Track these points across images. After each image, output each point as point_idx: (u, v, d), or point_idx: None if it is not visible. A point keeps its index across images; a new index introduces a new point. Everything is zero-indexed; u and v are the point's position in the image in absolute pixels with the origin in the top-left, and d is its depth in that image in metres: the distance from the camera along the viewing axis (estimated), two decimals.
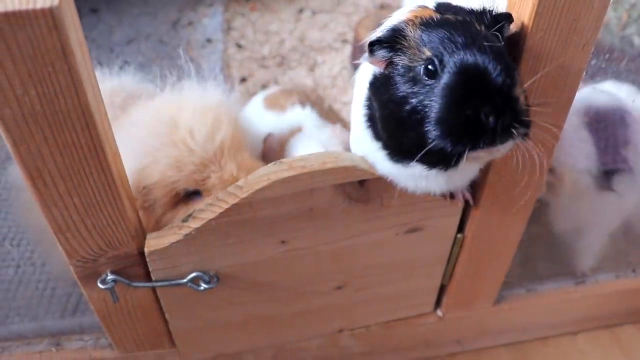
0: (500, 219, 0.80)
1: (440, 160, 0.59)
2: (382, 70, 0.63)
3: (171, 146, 0.79)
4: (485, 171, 0.74)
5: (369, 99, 0.66)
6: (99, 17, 1.82)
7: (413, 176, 0.67)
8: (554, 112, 0.68)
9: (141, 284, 0.73)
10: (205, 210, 0.69)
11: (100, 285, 0.72)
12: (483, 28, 0.59)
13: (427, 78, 0.58)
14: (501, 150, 0.59)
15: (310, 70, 1.58)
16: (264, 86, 1.52)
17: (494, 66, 0.56)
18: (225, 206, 0.67)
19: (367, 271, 0.83)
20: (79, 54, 0.53)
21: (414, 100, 0.59)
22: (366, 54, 0.63)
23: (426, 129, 0.57)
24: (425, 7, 0.62)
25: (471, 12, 0.61)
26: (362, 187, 0.71)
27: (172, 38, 1.74)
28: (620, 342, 1.13)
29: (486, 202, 0.77)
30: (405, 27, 0.61)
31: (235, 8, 1.84)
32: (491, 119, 0.55)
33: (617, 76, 1.03)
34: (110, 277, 0.72)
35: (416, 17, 0.61)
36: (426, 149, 0.58)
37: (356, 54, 1.55)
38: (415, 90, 0.59)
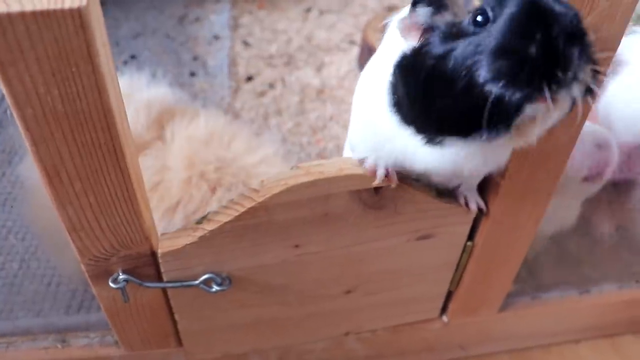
0: (511, 227, 0.81)
1: (495, 120, 0.51)
2: (414, 44, 0.56)
3: None
4: (498, 181, 0.74)
5: (395, 84, 0.60)
6: (105, 10, 1.81)
7: (452, 159, 0.61)
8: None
9: (153, 285, 0.73)
10: (220, 213, 0.69)
11: (111, 285, 0.72)
12: None
13: (475, 27, 0.52)
14: (563, 104, 0.51)
15: (318, 70, 1.58)
16: (271, 85, 1.52)
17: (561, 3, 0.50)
18: (241, 209, 0.67)
19: (377, 276, 0.84)
20: (103, 55, 0.53)
21: (459, 50, 0.51)
22: (398, 23, 0.57)
23: (479, 78, 0.50)
24: None
25: None
26: (378, 194, 0.71)
27: (179, 34, 1.74)
28: (620, 352, 1.14)
29: (498, 210, 0.77)
30: None
31: (242, 5, 1.83)
32: (561, 43, 0.48)
33: None
34: (122, 276, 0.72)
35: None
36: (484, 110, 0.49)
37: (364, 55, 1.55)
38: (460, 42, 0.52)
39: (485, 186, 0.77)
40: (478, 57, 0.50)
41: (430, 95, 0.55)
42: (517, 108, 0.50)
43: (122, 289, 0.73)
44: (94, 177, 0.61)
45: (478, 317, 0.99)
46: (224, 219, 0.68)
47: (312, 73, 1.57)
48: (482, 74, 0.50)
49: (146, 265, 0.73)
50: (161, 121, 0.93)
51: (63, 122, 0.55)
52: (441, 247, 0.81)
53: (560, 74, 0.49)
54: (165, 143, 0.92)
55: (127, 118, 0.61)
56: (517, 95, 0.49)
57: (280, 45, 1.67)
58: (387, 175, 0.67)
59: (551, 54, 0.49)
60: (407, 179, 0.71)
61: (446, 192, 0.75)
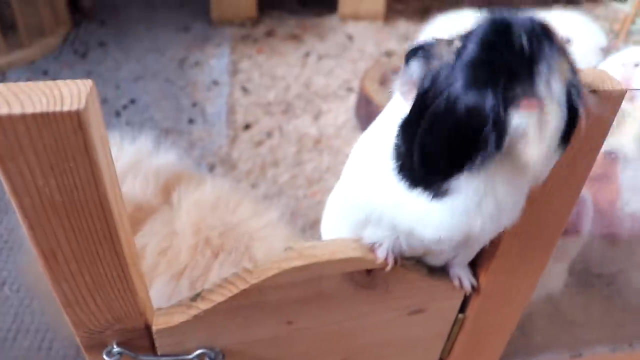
0: (503, 301, 0.81)
1: (479, 138, 0.49)
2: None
3: None
4: (489, 257, 0.75)
5: (398, 144, 0.59)
6: (106, 52, 1.83)
7: (463, 214, 0.58)
8: None
9: (147, 358, 0.74)
10: (214, 292, 0.69)
11: (105, 358, 0.72)
12: None
13: (453, 56, 0.52)
14: (550, 108, 0.48)
15: (315, 119, 1.60)
16: (269, 134, 1.54)
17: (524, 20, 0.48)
18: (235, 290, 0.68)
19: (368, 348, 0.84)
20: (101, 150, 0.54)
21: (440, 79, 0.52)
22: (399, 86, 0.57)
23: (454, 95, 0.49)
24: None
25: None
26: (369, 275, 0.72)
27: (179, 78, 1.76)
28: None
29: (488, 286, 0.78)
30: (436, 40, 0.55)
31: (242, 50, 1.86)
32: (524, 40, 0.46)
33: None
34: (116, 349, 0.72)
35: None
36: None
37: (361, 105, 1.57)
38: (440, 71, 0.52)
39: (476, 262, 0.78)
40: (452, 78, 0.50)
41: (427, 137, 0.54)
42: (497, 116, 0.48)
43: None
44: (90, 259, 0.62)
45: None
46: (218, 298, 0.69)
47: (309, 122, 1.59)
48: (455, 90, 0.50)
49: (141, 338, 0.73)
50: (168, 186, 0.95)
51: (60, 211, 0.56)
52: (432, 320, 0.82)
53: (528, 68, 0.47)
54: (172, 208, 0.93)
55: (123, 204, 0.62)
56: (491, 101, 0.47)
57: (278, 92, 1.69)
58: (386, 257, 0.69)
59: (515, 52, 0.47)
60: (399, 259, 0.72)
61: (438, 269, 0.76)
